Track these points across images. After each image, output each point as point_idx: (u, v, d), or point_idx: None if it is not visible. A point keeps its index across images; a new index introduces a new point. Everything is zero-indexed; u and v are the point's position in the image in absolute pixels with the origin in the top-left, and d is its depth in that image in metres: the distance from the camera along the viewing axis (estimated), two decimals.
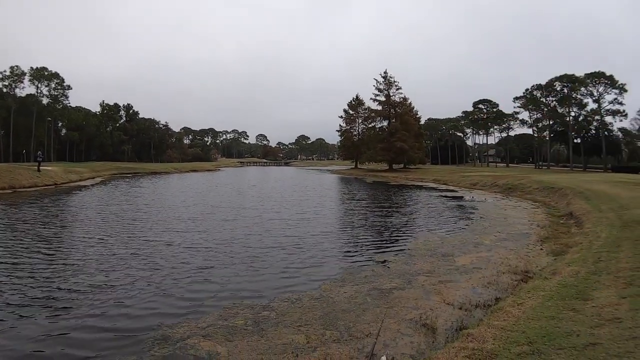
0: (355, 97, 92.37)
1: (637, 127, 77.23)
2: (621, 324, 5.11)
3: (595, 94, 71.97)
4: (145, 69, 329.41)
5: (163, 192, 34.27)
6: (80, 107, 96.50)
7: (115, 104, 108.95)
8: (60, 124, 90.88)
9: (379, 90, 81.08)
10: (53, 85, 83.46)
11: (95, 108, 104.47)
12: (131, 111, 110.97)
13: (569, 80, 74.10)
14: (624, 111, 70.08)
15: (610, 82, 69.80)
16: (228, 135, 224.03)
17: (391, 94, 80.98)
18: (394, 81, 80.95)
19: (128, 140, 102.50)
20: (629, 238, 10.65)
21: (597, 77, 70.69)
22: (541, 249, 12.44)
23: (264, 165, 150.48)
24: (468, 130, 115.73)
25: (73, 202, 25.28)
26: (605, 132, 74.05)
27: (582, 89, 72.93)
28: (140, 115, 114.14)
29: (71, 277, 9.30)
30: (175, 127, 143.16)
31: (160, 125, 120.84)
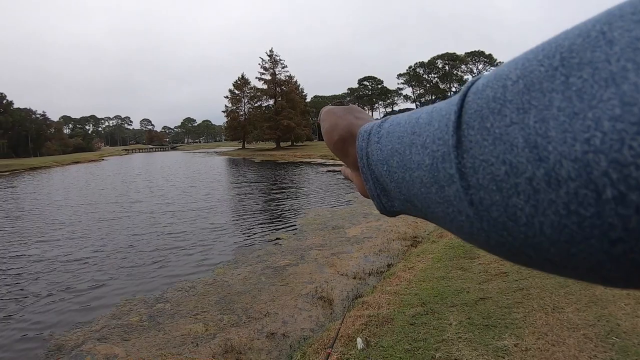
0: (240, 77, 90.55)
1: None
2: (507, 278, 5.27)
3: (475, 71, 77.24)
4: (8, 50, 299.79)
5: (39, 192, 31.52)
6: None
7: None
8: None
9: (265, 69, 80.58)
10: None
11: None
12: (5, 101, 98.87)
13: (450, 58, 79.01)
14: None
15: (489, 60, 75.50)
16: (111, 122, 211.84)
17: (277, 73, 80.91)
18: (280, 59, 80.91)
19: (3, 135, 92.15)
20: None
21: (477, 56, 76.16)
22: None
23: (150, 151, 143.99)
24: None
25: None
26: None
27: (463, 66, 77.93)
28: (15, 106, 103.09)
29: None
30: (54, 117, 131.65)
31: (37, 116, 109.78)
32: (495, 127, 0.24)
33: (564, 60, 0.22)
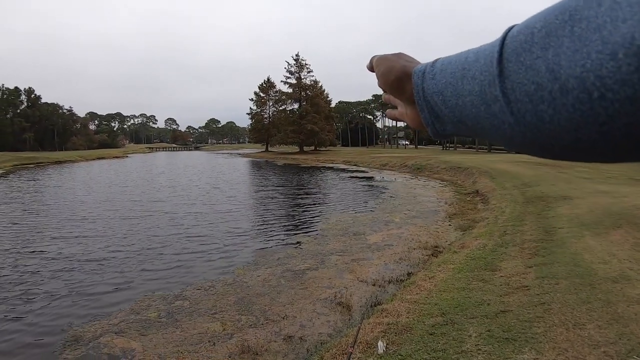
0: (266, 80, 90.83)
1: None
2: (529, 292, 5.22)
3: None
4: (38, 47, 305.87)
5: (69, 184, 32.09)
6: None
7: (16, 88, 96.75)
8: None
9: (290, 72, 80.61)
10: None
11: None
12: (33, 96, 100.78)
13: None
14: None
15: None
16: (136, 120, 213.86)
17: (302, 77, 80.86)
18: (306, 64, 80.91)
19: (30, 128, 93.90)
20: (532, 212, 11.22)
21: None
22: (449, 225, 12.80)
23: (173, 150, 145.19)
24: (378, 113, 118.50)
25: None
26: None
27: None
28: (43, 100, 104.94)
29: None
30: (81, 112, 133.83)
31: (64, 111, 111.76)
32: (526, 60, 0.37)
33: (571, 16, 0.34)
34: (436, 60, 0.55)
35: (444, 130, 0.55)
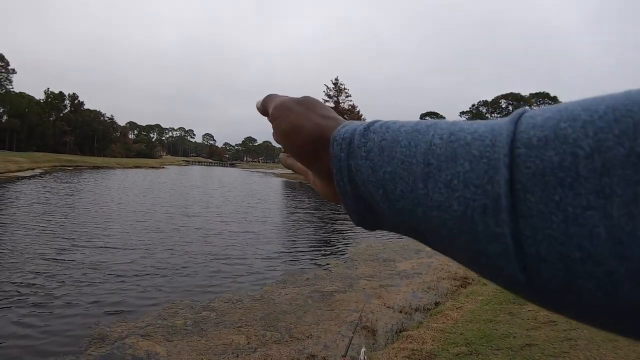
0: None
1: None
2: (556, 327, 5.20)
3: None
4: (85, 56, 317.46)
5: (105, 189, 33.01)
6: (23, 93, 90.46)
7: (60, 93, 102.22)
8: (1, 110, 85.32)
9: (329, 96, 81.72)
10: None
11: (37, 95, 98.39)
12: (76, 101, 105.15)
13: (514, 98, 77.54)
14: None
15: (554, 102, 73.28)
16: (174, 133, 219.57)
17: (340, 101, 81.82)
18: (344, 88, 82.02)
19: (71, 132, 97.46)
20: None
21: (542, 97, 74.38)
22: None
23: (209, 165, 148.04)
24: None
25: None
26: None
27: (527, 107, 76.47)
28: (86, 107, 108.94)
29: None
30: (121, 121, 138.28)
31: (106, 118, 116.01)
32: (567, 204, 0.22)
33: None
34: (372, 123, 0.40)
35: (379, 225, 0.40)
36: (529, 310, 6.07)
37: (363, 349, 4.37)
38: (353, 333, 4.55)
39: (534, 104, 74.29)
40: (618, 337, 4.58)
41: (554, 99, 72.24)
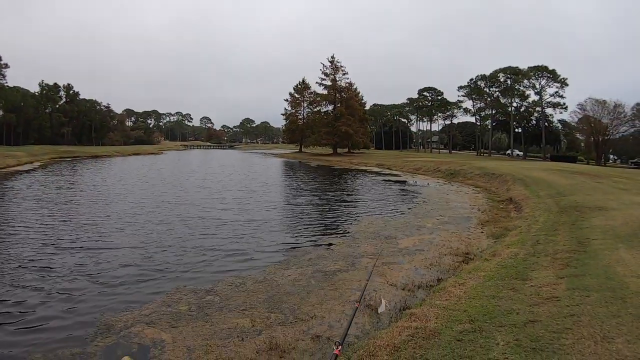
0: (301, 81, 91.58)
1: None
2: (559, 302, 5.21)
3: (537, 86, 75.08)
4: (76, 45, 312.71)
5: (102, 178, 33.00)
6: (17, 87, 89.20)
7: (55, 84, 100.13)
8: None
9: (325, 74, 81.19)
10: None
11: (32, 88, 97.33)
12: (71, 92, 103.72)
13: (513, 72, 76.79)
14: (564, 104, 73.83)
15: (552, 76, 72.86)
16: (172, 118, 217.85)
17: (337, 79, 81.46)
18: (341, 66, 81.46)
19: (68, 123, 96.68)
20: (566, 222, 11.06)
21: (540, 71, 73.63)
22: (482, 232, 12.75)
23: (207, 149, 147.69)
24: (412, 117, 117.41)
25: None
26: (546, 123, 77.61)
27: (525, 81, 75.83)
28: (81, 96, 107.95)
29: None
30: (118, 109, 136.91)
31: (102, 107, 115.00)
32: None
33: None
34: None
35: None
36: (532, 286, 6.07)
37: (384, 301, 4.35)
38: (367, 280, 4.46)
39: (532, 78, 73.53)
40: (622, 313, 4.61)
41: (552, 72, 71.48)
